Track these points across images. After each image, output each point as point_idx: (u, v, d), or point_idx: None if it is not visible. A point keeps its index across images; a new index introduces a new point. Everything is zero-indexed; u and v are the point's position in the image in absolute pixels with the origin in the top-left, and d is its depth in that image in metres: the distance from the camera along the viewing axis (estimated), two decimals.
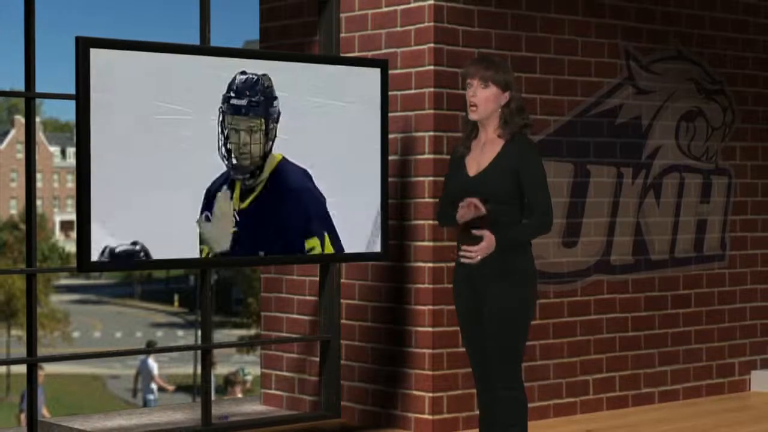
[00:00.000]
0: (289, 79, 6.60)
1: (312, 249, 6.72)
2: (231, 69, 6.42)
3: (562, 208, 7.64)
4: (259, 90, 6.45)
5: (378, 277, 7.34)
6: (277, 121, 6.51)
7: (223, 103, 6.38)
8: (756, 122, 8.81)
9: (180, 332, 57.72)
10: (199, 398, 7.07)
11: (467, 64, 5.50)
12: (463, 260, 5.31)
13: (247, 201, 6.49)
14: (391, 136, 7.16)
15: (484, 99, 5.35)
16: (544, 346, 7.60)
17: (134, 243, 6.14)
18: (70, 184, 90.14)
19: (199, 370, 6.32)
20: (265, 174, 6.51)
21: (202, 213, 6.31)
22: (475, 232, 5.25)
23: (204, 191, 6.34)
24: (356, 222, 6.85)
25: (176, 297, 68.27)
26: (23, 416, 15.88)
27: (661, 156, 8.25)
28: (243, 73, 6.42)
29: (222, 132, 6.33)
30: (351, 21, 7.46)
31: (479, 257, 5.26)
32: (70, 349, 48.28)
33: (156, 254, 6.25)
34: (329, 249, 6.75)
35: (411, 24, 7.17)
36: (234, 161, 6.37)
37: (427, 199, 7.09)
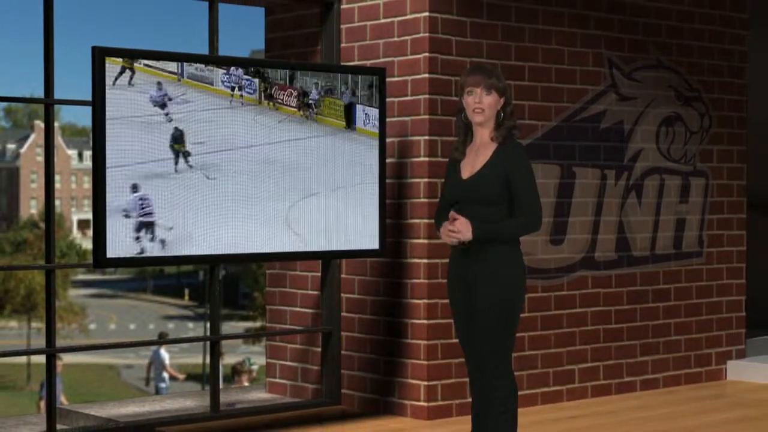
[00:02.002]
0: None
1: None
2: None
3: (550, 208, 7.64)
4: None
5: (376, 273, 7.34)
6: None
7: None
8: (731, 127, 8.81)
9: (190, 324, 57.68)
10: (208, 386, 7.06)
11: (466, 72, 5.50)
12: (450, 239, 5.34)
13: None
14: (388, 139, 7.16)
15: (488, 104, 5.38)
16: (533, 337, 7.60)
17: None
18: (87, 185, 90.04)
19: (208, 360, 6.29)
20: None
21: None
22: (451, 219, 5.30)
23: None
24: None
25: (186, 291, 68.23)
26: (43, 404, 15.87)
27: (643, 159, 8.24)
28: None
29: None
30: (351, 32, 7.46)
31: (457, 234, 5.28)
32: (86, 341, 48.26)
33: (168, 251, 6.27)
34: None
35: (407, 34, 7.17)
36: None
37: (422, 200, 7.09)
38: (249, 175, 6.50)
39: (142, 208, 6.17)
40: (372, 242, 6.96)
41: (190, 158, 6.30)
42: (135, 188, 6.12)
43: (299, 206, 6.70)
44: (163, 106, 6.21)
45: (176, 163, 6.27)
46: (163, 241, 6.22)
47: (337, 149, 6.82)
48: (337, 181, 6.84)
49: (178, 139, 6.30)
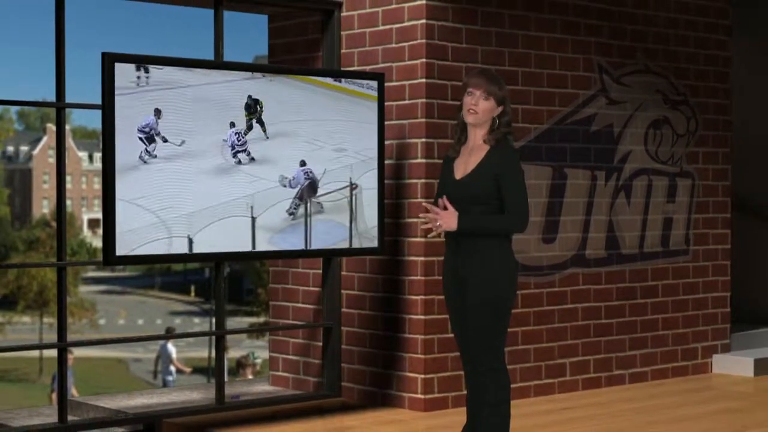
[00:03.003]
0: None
1: None
2: (244, 82, 6.44)
3: (542, 207, 7.64)
4: None
5: (375, 270, 7.34)
6: None
7: None
8: (716, 130, 8.81)
9: (196, 320, 57.62)
10: (214, 379, 7.05)
11: (471, 74, 5.51)
12: (429, 225, 5.37)
13: None
14: (387, 142, 7.16)
15: (483, 109, 5.39)
16: (526, 332, 7.60)
17: None
18: (97, 185, 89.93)
19: (213, 354, 6.26)
20: None
21: None
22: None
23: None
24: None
25: (192, 288, 68.13)
26: (54, 396, 15.85)
27: (631, 160, 8.24)
28: None
29: None
30: (351, 38, 7.45)
31: (439, 222, 5.30)
32: (96, 335, 48.19)
33: (175, 249, 6.27)
34: None
35: (405, 41, 7.16)
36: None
37: (419, 199, 7.09)
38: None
39: (239, 140, 6.47)
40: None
41: (266, 127, 6.54)
42: (232, 124, 6.43)
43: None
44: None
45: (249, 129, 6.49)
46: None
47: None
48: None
49: (251, 108, 6.47)
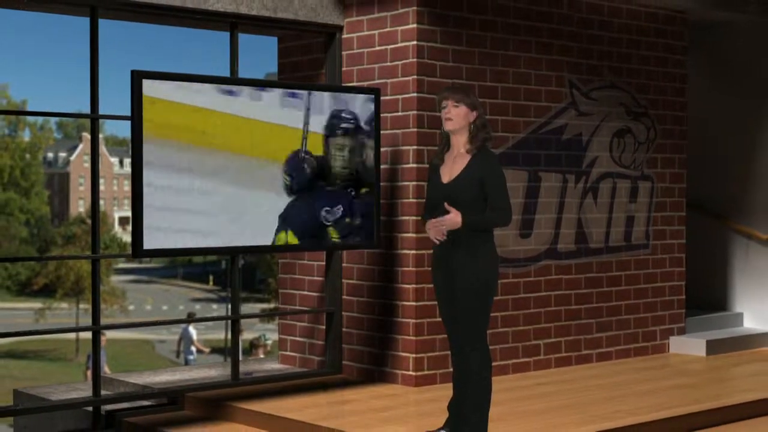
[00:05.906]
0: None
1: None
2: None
3: (519, 207, 7.64)
4: None
5: (372, 262, 7.34)
6: None
7: None
8: (673, 138, 8.82)
9: (214, 306, 57.48)
10: (230, 358, 7.06)
11: (440, 91, 5.54)
12: (433, 235, 5.34)
13: None
14: (382, 149, 7.16)
15: (456, 114, 5.41)
16: (505, 316, 7.60)
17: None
18: (127, 187, 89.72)
19: (229, 336, 6.28)
20: None
21: None
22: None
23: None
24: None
25: (211, 277, 67.98)
26: (89, 373, 15.84)
27: (598, 165, 8.25)
28: None
29: None
30: (350, 57, 7.45)
31: (445, 229, 5.28)
32: (126, 319, 48.10)
33: (195, 243, 6.27)
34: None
35: (399, 60, 7.16)
36: None
37: (411, 200, 7.09)
38: None
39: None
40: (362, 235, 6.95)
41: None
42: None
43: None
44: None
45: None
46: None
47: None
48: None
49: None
